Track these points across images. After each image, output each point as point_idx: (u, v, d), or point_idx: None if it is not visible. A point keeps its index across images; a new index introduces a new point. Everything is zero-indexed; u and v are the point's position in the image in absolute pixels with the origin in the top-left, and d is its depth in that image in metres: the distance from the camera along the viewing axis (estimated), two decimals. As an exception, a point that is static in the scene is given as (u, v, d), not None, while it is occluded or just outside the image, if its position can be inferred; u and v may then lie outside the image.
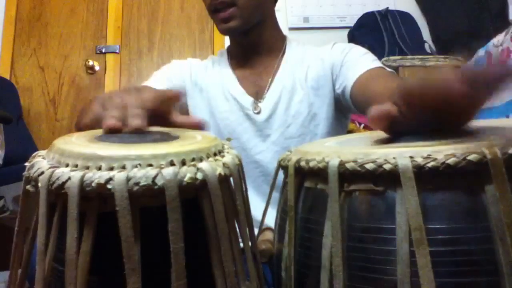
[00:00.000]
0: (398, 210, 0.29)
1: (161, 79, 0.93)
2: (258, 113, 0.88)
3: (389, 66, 1.87)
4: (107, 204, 0.29)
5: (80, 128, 0.47)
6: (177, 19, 2.44)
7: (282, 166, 0.41)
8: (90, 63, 2.30)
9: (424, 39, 2.30)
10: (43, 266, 0.30)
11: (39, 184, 0.30)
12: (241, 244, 0.36)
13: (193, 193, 0.31)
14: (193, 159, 0.32)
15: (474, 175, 0.29)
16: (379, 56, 1.98)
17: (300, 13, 2.43)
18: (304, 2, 2.44)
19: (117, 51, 2.36)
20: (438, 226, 0.29)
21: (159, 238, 0.30)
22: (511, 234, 0.27)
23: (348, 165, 0.31)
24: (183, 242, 0.30)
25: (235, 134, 0.88)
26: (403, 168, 0.29)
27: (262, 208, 0.48)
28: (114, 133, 0.38)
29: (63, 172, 0.29)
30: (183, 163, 0.31)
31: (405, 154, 0.30)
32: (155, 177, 0.29)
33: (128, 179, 0.29)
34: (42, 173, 0.30)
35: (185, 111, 0.94)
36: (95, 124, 0.43)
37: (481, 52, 1.41)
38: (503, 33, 1.33)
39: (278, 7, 0.96)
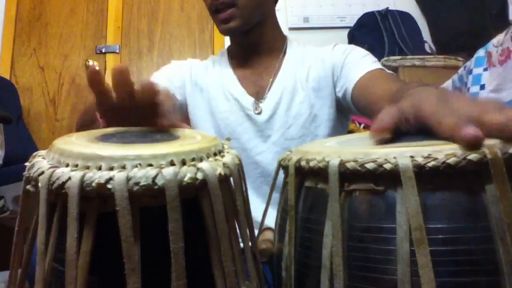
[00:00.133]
0: (398, 209, 0.29)
1: (161, 80, 0.92)
2: (259, 113, 0.88)
3: (389, 66, 1.88)
4: (107, 204, 0.29)
5: (79, 129, 0.47)
6: (177, 19, 2.44)
7: (282, 166, 0.41)
8: (90, 63, 2.30)
9: (424, 39, 2.30)
10: (43, 266, 0.30)
11: (39, 184, 0.30)
12: (241, 244, 0.36)
13: (193, 193, 0.31)
14: (193, 159, 0.32)
15: (475, 175, 0.29)
16: (379, 56, 1.98)
17: (300, 13, 2.43)
18: (304, 2, 2.44)
19: (117, 51, 2.36)
20: (439, 226, 0.29)
21: (159, 238, 0.30)
22: (511, 234, 0.27)
23: (348, 165, 0.31)
24: (183, 242, 0.30)
25: (235, 134, 0.88)
26: (404, 167, 0.29)
27: (262, 209, 0.48)
28: (114, 134, 0.38)
29: (63, 172, 0.29)
30: (183, 163, 0.31)
31: (405, 154, 0.30)
32: (155, 177, 0.29)
33: (128, 179, 0.29)
34: (42, 173, 0.30)
35: (185, 111, 0.94)
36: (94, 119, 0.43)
37: (481, 52, 1.41)
38: (503, 33, 1.32)
39: (278, 7, 0.96)
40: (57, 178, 0.29)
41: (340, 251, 0.31)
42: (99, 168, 0.29)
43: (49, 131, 2.26)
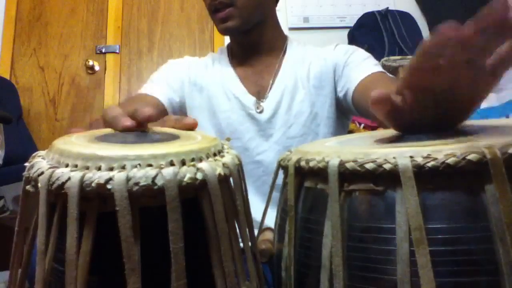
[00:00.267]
0: (398, 209, 0.29)
1: (161, 86, 0.90)
2: (261, 112, 0.88)
3: (389, 66, 1.88)
4: (107, 204, 0.29)
5: None
6: (177, 19, 2.44)
7: (282, 166, 0.41)
8: (90, 63, 2.30)
9: (424, 39, 2.29)
10: (43, 266, 0.30)
11: (39, 184, 0.30)
12: (241, 244, 0.36)
13: (193, 193, 0.31)
14: (193, 159, 0.32)
15: (474, 175, 0.29)
16: (379, 56, 1.99)
17: (300, 13, 2.43)
18: (304, 2, 2.44)
19: (117, 51, 2.36)
20: (438, 226, 0.29)
21: (159, 238, 0.30)
22: (511, 234, 0.27)
23: (348, 165, 0.31)
24: (183, 242, 0.30)
25: (237, 133, 0.87)
26: (403, 167, 0.29)
27: (262, 209, 0.48)
28: (114, 134, 0.38)
29: (62, 172, 0.29)
30: (183, 163, 0.31)
31: (405, 154, 0.30)
32: (155, 177, 0.29)
33: (128, 179, 0.29)
34: (42, 173, 0.30)
35: (183, 112, 0.94)
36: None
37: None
38: (503, 33, 1.32)
39: (278, 7, 0.96)
40: (57, 179, 0.29)
41: (339, 251, 0.31)
42: (99, 168, 0.29)
43: (49, 131, 2.26)
